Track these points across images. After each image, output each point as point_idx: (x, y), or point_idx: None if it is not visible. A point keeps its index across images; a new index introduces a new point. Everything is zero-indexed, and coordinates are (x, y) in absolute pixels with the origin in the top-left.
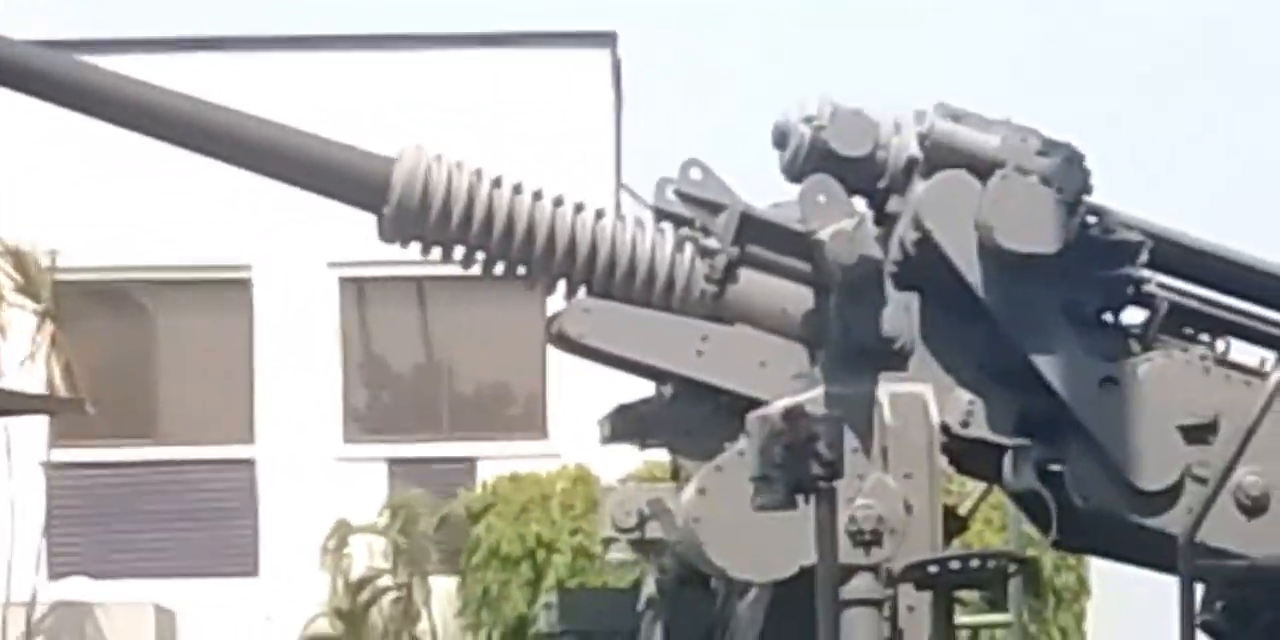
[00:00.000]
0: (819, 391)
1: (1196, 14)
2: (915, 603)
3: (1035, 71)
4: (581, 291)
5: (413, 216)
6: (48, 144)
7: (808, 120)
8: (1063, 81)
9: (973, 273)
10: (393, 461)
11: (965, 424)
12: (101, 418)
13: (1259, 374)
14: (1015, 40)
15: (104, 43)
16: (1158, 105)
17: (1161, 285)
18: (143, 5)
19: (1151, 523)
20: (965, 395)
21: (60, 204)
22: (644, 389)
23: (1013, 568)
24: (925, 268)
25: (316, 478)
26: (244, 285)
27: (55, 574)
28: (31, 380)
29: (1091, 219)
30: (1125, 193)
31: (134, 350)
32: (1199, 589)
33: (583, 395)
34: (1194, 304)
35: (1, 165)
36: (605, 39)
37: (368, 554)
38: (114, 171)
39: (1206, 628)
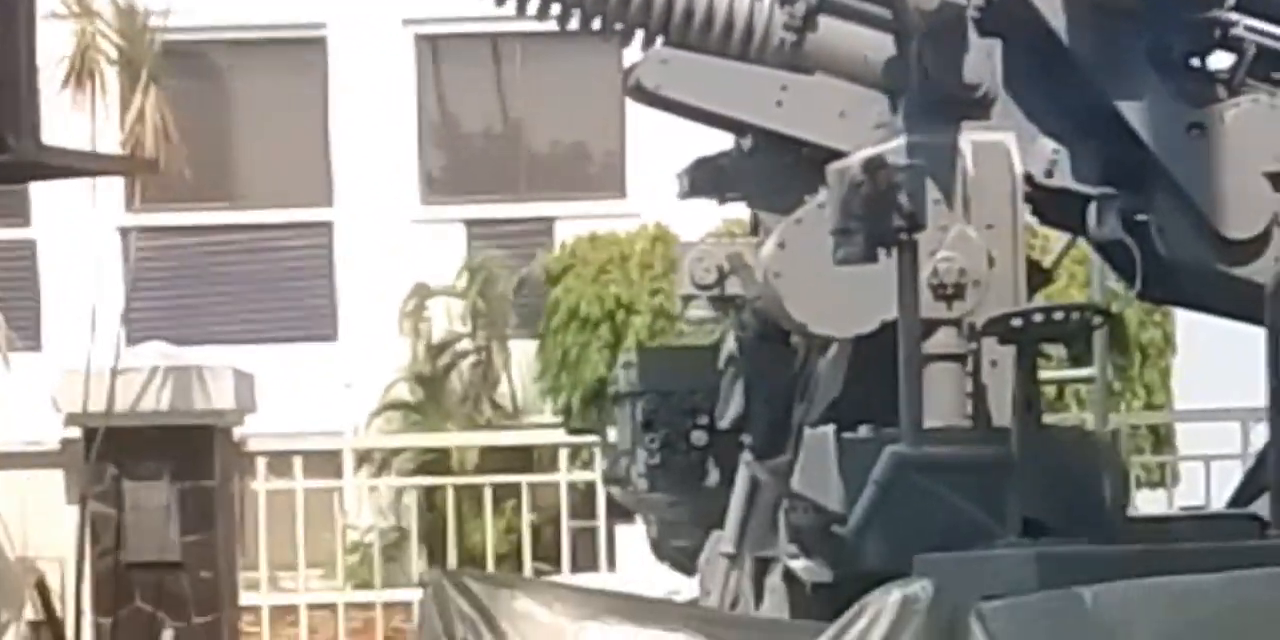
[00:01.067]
0: (900, 141)
1: None
2: (998, 357)
3: None
4: (659, 42)
5: None
6: None
7: None
8: None
9: (1057, 17)
10: (470, 223)
11: (1049, 173)
12: (177, 181)
13: None
14: None
15: None
16: None
17: (1249, 28)
18: None
19: (1239, 271)
20: (1049, 144)
21: None
22: (723, 145)
23: (1097, 320)
24: (1008, 13)
25: (394, 240)
26: (318, 44)
27: (134, 339)
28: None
29: None
30: None
31: (209, 112)
32: None
33: (661, 154)
34: None
35: None
36: None
37: (446, 317)
38: None
39: None
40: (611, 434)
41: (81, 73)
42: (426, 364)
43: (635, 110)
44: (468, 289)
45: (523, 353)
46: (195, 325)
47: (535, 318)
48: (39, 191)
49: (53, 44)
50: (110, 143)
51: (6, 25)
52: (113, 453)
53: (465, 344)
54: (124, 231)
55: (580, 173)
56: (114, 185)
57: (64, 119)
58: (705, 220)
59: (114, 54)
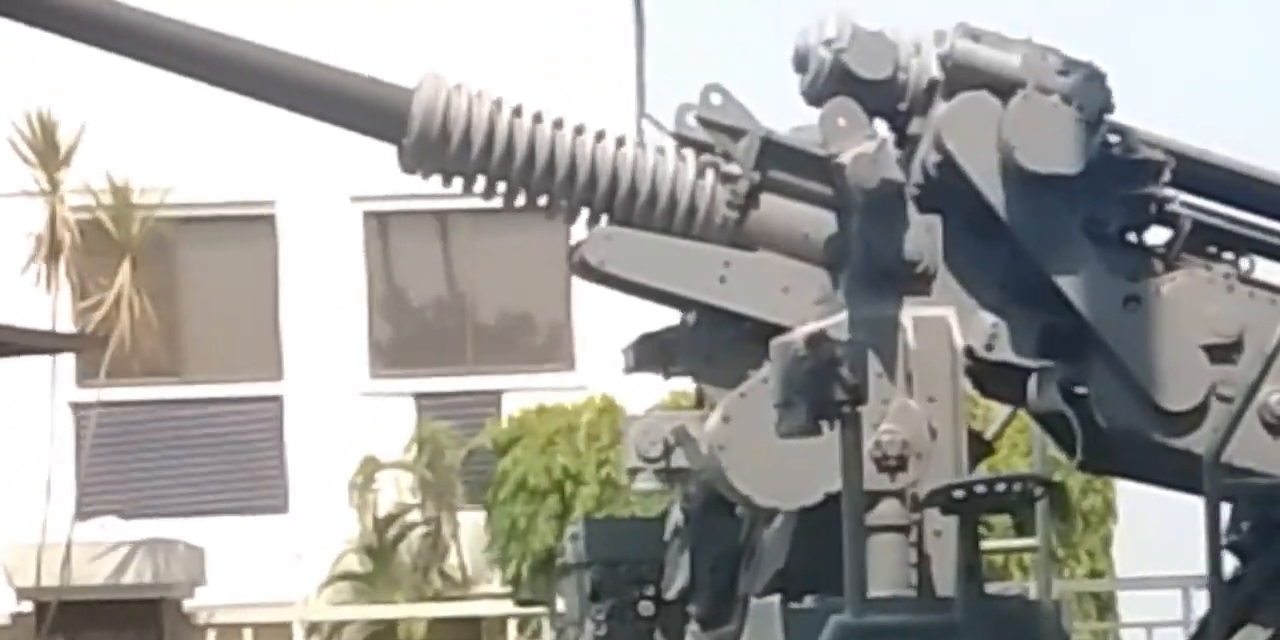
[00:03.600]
0: (842, 316)
1: None
2: (941, 528)
3: None
4: (604, 220)
5: (433, 147)
6: (71, 80)
7: (827, 43)
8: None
9: (994, 194)
10: (419, 396)
11: (989, 347)
12: (128, 356)
13: None
14: None
15: None
16: (1186, 22)
17: (1185, 204)
18: None
19: (1177, 443)
20: (989, 318)
21: (81, 144)
22: (669, 319)
23: (1039, 491)
24: (947, 190)
25: (343, 413)
26: (268, 221)
27: (84, 515)
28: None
29: (1114, 138)
30: (1149, 112)
31: (160, 288)
32: (1225, 509)
33: (608, 326)
34: (1217, 222)
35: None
36: None
37: (395, 489)
38: (132, 109)
39: (1233, 548)
40: (560, 604)
41: (48, 251)
42: (375, 536)
43: (581, 283)
44: (416, 461)
45: (472, 523)
46: (147, 498)
47: (484, 489)
48: None
49: (18, 221)
50: (65, 319)
51: None
52: (64, 626)
53: (414, 515)
54: (76, 406)
55: (527, 345)
56: (64, 362)
57: (23, 296)
58: (652, 392)
59: (79, 234)
